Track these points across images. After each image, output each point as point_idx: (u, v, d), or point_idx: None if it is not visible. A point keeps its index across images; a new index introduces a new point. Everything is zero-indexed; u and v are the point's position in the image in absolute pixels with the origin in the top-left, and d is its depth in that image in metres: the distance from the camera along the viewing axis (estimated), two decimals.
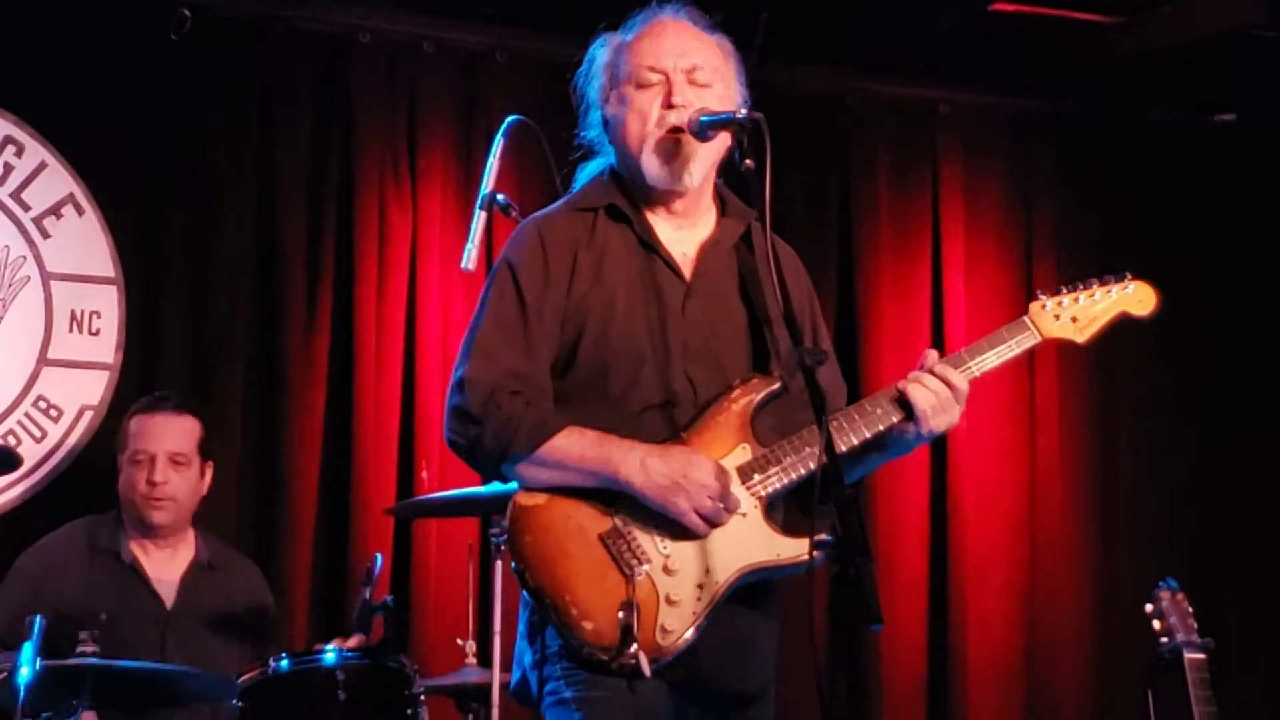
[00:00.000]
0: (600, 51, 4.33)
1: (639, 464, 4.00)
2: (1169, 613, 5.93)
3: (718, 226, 4.31)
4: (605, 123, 4.30)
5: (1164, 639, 5.90)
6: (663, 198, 4.24)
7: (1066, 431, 8.17)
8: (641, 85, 4.19)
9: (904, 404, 4.13)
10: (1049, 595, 8.04)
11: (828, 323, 7.45)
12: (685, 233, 4.27)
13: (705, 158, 4.19)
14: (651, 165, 4.18)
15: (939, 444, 7.87)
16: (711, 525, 4.01)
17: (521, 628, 4.18)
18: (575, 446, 4.03)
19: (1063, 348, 7.68)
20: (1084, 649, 8.06)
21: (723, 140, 4.19)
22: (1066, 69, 8.09)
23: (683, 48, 4.21)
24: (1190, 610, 5.94)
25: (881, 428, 4.14)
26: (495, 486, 5.60)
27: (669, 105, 4.16)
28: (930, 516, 7.95)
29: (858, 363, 7.76)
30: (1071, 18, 7.75)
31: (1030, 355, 7.86)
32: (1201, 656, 5.84)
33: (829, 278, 7.85)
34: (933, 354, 4.21)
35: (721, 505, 4.00)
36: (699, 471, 3.99)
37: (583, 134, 4.38)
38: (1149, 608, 5.98)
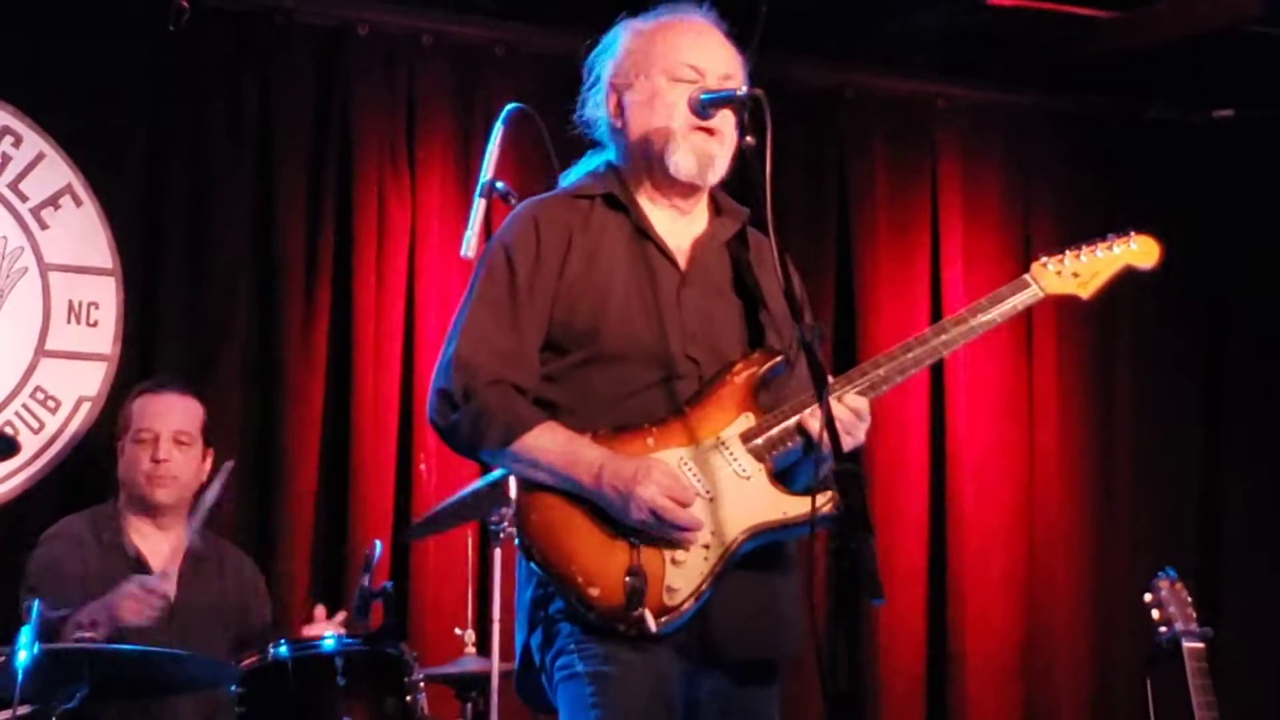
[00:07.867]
0: (625, 34, 4.32)
1: (595, 472, 4.00)
2: (1167, 602, 5.92)
3: (711, 224, 4.33)
4: (619, 107, 4.28)
5: (1162, 629, 5.89)
6: (665, 191, 4.26)
7: (1065, 425, 8.18)
8: (677, 79, 4.20)
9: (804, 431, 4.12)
10: (1047, 588, 8.05)
11: (826, 316, 7.58)
12: (680, 226, 4.29)
13: (726, 158, 4.21)
14: (680, 159, 4.18)
15: (937, 438, 7.93)
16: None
17: (522, 611, 4.18)
18: (544, 447, 4.04)
19: (1062, 338, 7.90)
20: (1082, 640, 8.06)
21: (734, 140, 4.19)
22: (1063, 64, 8.10)
23: (722, 56, 4.23)
24: (1189, 600, 5.94)
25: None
26: (492, 477, 5.65)
27: None
28: (929, 510, 7.95)
29: (855, 356, 7.73)
30: (1068, 12, 7.74)
31: (1029, 349, 8.03)
32: (1200, 646, 5.84)
33: (827, 271, 7.86)
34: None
35: (676, 524, 3.98)
36: (643, 487, 3.97)
37: (582, 113, 4.38)
38: (1148, 597, 5.97)
